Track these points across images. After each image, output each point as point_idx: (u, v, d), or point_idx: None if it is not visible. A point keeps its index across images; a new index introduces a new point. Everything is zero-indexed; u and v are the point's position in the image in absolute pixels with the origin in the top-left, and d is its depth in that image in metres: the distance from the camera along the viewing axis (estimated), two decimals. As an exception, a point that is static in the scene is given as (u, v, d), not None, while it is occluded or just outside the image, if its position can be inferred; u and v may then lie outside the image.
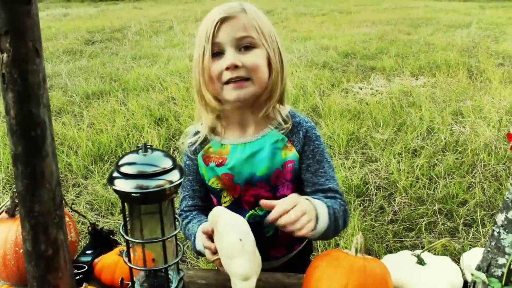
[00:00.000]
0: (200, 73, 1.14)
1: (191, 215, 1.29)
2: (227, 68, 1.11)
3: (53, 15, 11.11)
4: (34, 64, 0.88)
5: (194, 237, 1.20)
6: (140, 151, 0.86)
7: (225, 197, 1.27)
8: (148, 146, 0.86)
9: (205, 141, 1.27)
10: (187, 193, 1.32)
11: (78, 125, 4.25)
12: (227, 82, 1.13)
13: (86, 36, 8.43)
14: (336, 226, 1.14)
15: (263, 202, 1.05)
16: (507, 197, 0.92)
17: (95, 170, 3.44)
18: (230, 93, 1.14)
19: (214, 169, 1.25)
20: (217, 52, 1.13)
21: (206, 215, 1.27)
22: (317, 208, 1.08)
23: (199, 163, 1.28)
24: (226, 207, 1.25)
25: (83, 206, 3.01)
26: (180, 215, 1.31)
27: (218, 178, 1.25)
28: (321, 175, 1.23)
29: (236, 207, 1.25)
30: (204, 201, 1.32)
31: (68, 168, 3.50)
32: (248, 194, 1.24)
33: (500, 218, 0.93)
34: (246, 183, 1.23)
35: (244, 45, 1.13)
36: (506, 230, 0.92)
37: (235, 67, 1.11)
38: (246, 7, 1.16)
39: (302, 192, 1.26)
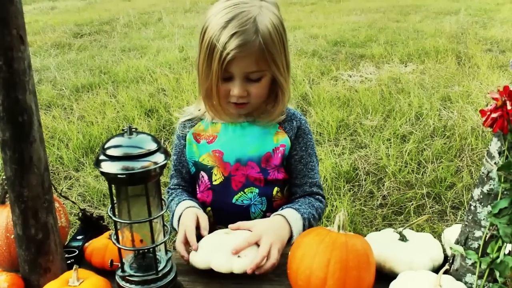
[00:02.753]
0: (214, 86, 1.18)
1: (175, 193, 1.35)
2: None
3: (40, 9, 10.96)
4: (19, 51, 0.90)
5: (173, 215, 1.29)
6: (125, 134, 0.88)
7: (216, 175, 1.30)
8: (133, 129, 0.88)
9: (196, 119, 1.35)
10: (172, 172, 1.40)
11: (68, 118, 4.24)
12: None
13: (74, 29, 8.35)
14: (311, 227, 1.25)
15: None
16: (483, 172, 0.95)
17: (86, 162, 3.45)
18: (232, 109, 1.25)
19: (205, 146, 1.30)
20: (226, 75, 1.18)
21: (189, 193, 1.37)
22: (292, 228, 1.16)
23: (190, 140, 1.33)
24: (216, 185, 1.30)
25: (75, 198, 3.02)
26: (167, 192, 1.39)
27: (209, 155, 1.30)
28: (312, 168, 1.32)
29: (226, 187, 1.29)
30: (186, 182, 1.38)
31: (59, 161, 3.51)
32: (238, 174, 1.28)
33: (476, 192, 0.97)
34: (236, 161, 1.28)
35: (253, 76, 1.18)
36: (482, 204, 0.95)
37: (242, 96, 1.19)
38: (261, 29, 1.13)
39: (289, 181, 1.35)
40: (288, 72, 1.24)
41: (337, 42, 6.70)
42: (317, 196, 1.33)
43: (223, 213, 1.31)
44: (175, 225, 1.25)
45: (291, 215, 1.19)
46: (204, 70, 1.18)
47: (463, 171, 3.14)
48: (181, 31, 7.90)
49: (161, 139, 3.80)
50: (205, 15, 1.19)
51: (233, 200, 1.29)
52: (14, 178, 0.94)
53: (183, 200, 1.29)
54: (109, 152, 0.86)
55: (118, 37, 7.70)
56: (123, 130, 0.89)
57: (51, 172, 3.36)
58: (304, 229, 1.20)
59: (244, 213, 1.28)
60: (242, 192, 1.29)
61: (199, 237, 1.15)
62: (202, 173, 1.32)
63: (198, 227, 1.17)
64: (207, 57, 1.15)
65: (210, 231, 1.17)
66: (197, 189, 1.36)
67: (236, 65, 1.14)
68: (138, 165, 0.84)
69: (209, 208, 1.33)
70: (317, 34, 7.23)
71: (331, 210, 2.73)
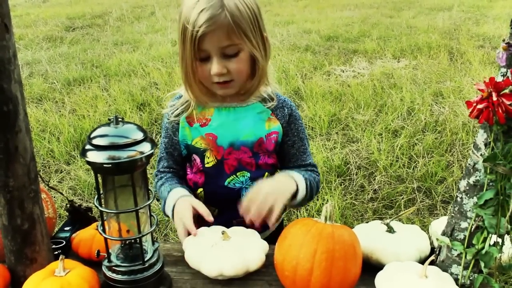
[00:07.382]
0: (191, 72, 1.20)
1: (165, 177, 1.35)
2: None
3: (31, 2, 10.87)
4: (4, 40, 0.89)
5: (165, 202, 1.28)
6: (112, 123, 0.87)
7: (208, 158, 1.31)
8: (119, 119, 0.88)
9: (188, 104, 1.33)
10: (162, 155, 1.38)
11: (60, 111, 4.22)
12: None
13: (66, 22, 8.30)
14: (311, 194, 1.31)
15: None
16: (469, 164, 0.96)
17: (78, 155, 3.43)
18: (217, 90, 1.25)
19: (198, 129, 1.30)
20: (203, 55, 1.18)
21: (180, 177, 1.37)
22: (297, 183, 1.25)
23: (183, 124, 1.32)
24: (208, 168, 1.30)
25: (66, 191, 3.01)
26: (156, 175, 1.38)
27: (202, 138, 1.30)
28: (303, 151, 1.37)
29: (218, 170, 1.31)
30: (178, 165, 1.38)
31: (50, 154, 3.49)
32: (231, 158, 1.30)
33: (462, 184, 0.97)
34: (230, 145, 1.29)
35: (229, 51, 1.18)
36: (468, 195, 0.96)
37: (221, 73, 1.18)
38: (227, 3, 1.14)
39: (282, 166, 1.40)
40: (265, 50, 1.24)
41: (330, 37, 6.70)
42: (311, 168, 1.37)
43: (214, 195, 1.33)
44: (168, 213, 1.26)
45: (294, 174, 1.27)
46: (182, 54, 1.20)
47: (453, 165, 3.16)
48: (174, 25, 7.86)
49: (152, 133, 3.79)
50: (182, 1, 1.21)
51: (226, 183, 1.31)
52: (0, 168, 0.93)
53: (175, 187, 1.28)
54: (95, 141, 0.85)
55: (111, 31, 7.66)
56: (109, 119, 0.88)
57: (42, 165, 3.34)
58: (306, 189, 1.27)
59: (235, 196, 1.30)
60: (234, 176, 1.31)
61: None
62: (194, 156, 1.33)
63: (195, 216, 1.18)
64: (182, 40, 1.18)
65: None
66: (189, 171, 1.37)
67: (208, 41, 1.15)
68: (124, 154, 0.84)
69: (200, 189, 1.33)
70: (310, 29, 7.23)
71: (322, 203, 2.74)
